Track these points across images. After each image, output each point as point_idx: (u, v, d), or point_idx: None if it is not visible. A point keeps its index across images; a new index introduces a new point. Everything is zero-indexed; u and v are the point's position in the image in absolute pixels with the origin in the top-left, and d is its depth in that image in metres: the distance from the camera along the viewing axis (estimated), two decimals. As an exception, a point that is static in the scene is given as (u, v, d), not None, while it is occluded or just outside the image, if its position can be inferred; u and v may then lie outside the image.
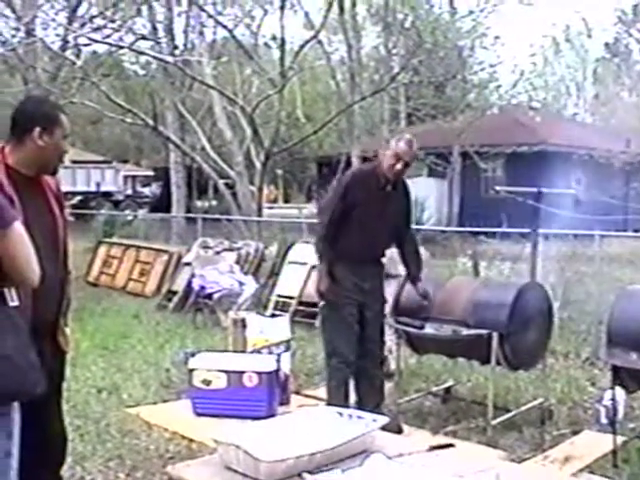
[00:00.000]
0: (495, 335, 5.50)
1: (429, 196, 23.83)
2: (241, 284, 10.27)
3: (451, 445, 3.36)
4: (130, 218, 22.51)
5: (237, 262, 11.21)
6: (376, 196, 5.68)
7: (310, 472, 2.89)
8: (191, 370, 6.20)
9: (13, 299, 2.66)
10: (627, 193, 26.49)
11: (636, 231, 17.47)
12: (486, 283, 6.48)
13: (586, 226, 12.07)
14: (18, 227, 2.63)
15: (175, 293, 11.58)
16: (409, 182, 6.06)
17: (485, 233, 12.13)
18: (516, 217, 14.06)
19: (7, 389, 2.57)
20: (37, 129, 3.31)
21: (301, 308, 10.18)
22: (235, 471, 2.95)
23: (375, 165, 5.80)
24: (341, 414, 3.36)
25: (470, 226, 13.71)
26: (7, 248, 2.59)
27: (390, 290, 6.29)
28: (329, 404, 5.77)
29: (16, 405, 2.68)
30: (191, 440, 5.55)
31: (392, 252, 6.28)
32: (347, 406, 5.73)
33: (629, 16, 50.35)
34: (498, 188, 12.66)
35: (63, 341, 3.54)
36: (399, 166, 5.59)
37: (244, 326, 7.07)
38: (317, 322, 9.60)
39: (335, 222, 5.65)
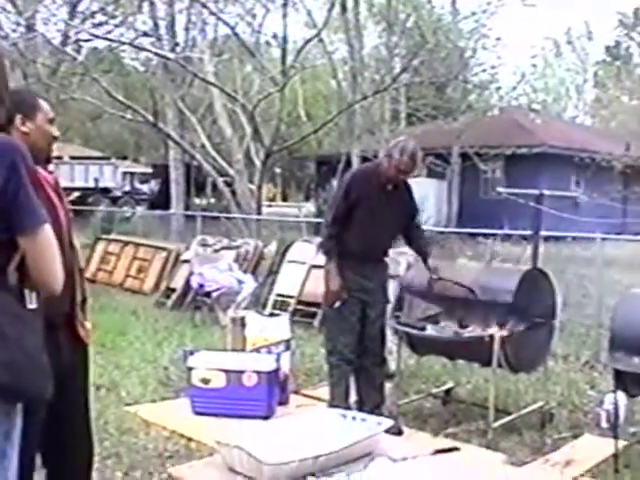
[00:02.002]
0: (497, 336, 5.47)
1: (428, 197, 23.78)
2: (240, 282, 10.23)
3: (456, 449, 3.33)
4: (128, 215, 22.46)
5: (236, 260, 11.17)
6: (377, 195, 5.71)
7: (314, 475, 2.85)
8: (190, 368, 6.16)
9: (32, 302, 2.56)
10: (626, 196, 26.47)
11: (636, 234, 17.46)
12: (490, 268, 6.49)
13: (585, 228, 12.05)
14: (48, 230, 2.52)
15: (174, 290, 11.54)
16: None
17: (485, 234, 12.09)
18: (515, 218, 14.03)
19: (20, 386, 2.48)
20: (18, 117, 3.32)
21: (300, 307, 10.14)
22: (238, 473, 2.91)
23: (377, 164, 5.90)
24: (344, 416, 3.33)
25: (469, 227, 13.67)
26: (35, 250, 2.47)
27: (390, 290, 6.27)
28: (331, 401, 5.76)
29: (19, 407, 2.60)
30: (190, 439, 5.50)
31: (392, 252, 6.26)
32: (347, 404, 5.72)
33: (630, 19, 50.43)
34: (500, 190, 12.63)
35: (84, 333, 3.51)
36: (401, 177, 5.69)
37: (243, 325, 7.03)
38: (316, 322, 9.58)
39: (339, 220, 5.68)
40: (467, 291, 5.64)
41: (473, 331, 5.75)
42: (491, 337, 5.48)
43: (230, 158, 18.30)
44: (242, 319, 7.16)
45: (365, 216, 5.67)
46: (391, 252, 6.16)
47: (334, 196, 5.89)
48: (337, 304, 5.71)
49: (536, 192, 7.60)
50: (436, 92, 25.65)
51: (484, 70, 23.23)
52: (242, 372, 6.01)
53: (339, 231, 5.67)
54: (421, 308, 6.09)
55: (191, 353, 6.33)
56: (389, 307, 6.19)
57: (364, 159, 21.25)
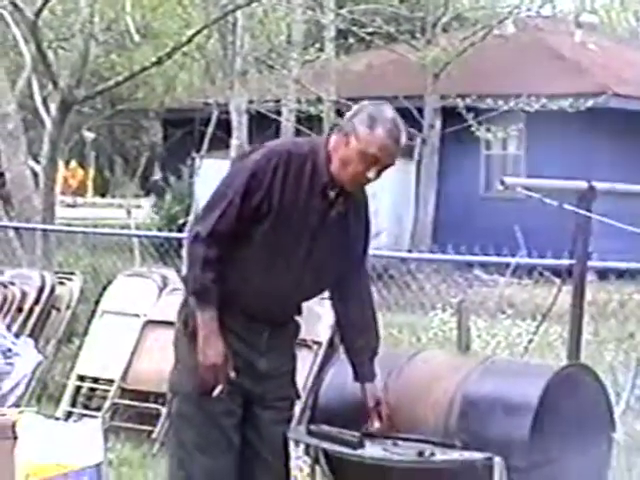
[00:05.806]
0: (499, 462, 5.55)
1: (379, 193, 23.96)
2: (8, 354, 10.21)
3: None
4: None
5: (1, 311, 11.14)
6: (307, 205, 5.57)
7: None
8: None
9: None
10: None
11: None
12: (486, 365, 6.56)
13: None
14: None
15: None
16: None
17: (484, 264, 12.26)
18: (543, 234, 14.24)
19: None
20: None
21: (126, 402, 10.13)
22: None
23: (313, 149, 5.71)
24: None
25: (456, 249, 13.87)
26: None
27: (303, 372, 6.33)
28: None
29: None
30: None
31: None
32: None
33: None
34: (508, 180, 12.67)
35: None
36: (371, 174, 5.55)
37: (14, 437, 7.03)
38: (157, 430, 9.59)
39: (226, 233, 5.53)
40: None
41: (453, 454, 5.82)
42: (489, 462, 5.55)
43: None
44: (12, 426, 7.15)
45: (278, 241, 5.57)
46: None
47: (220, 187, 5.65)
48: (217, 391, 5.66)
49: (581, 185, 7.76)
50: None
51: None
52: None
53: (223, 255, 5.58)
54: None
55: None
56: (298, 405, 6.25)
57: (254, 117, 21.34)
